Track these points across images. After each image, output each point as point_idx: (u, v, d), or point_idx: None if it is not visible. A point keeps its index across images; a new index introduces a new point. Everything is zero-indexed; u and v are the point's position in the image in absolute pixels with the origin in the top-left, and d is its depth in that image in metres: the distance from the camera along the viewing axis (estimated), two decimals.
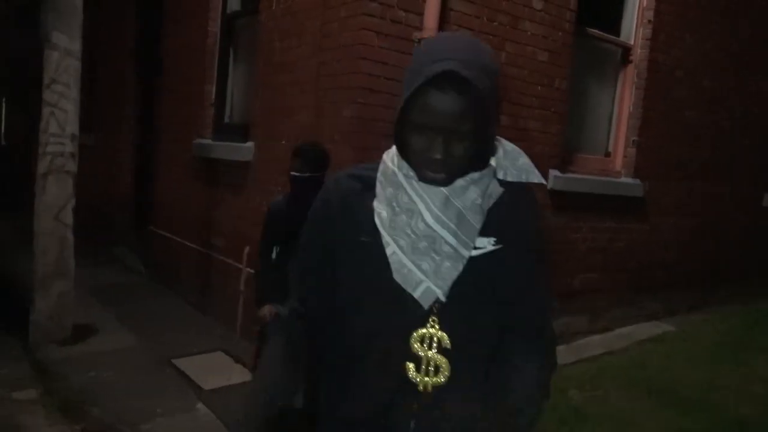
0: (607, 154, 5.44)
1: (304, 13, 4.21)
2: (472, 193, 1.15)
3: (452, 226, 1.13)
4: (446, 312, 1.15)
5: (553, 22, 4.48)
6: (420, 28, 3.72)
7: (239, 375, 4.15)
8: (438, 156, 1.10)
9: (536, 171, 1.23)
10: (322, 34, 3.95)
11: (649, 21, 5.30)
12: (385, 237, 1.16)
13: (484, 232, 1.16)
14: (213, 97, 5.56)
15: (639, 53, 5.33)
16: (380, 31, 3.62)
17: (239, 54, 5.52)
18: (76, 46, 4.41)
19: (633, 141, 5.37)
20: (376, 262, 1.16)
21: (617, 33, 5.33)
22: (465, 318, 1.16)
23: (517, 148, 1.24)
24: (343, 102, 3.75)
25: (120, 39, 7.53)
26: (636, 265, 5.60)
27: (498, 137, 1.20)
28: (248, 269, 4.72)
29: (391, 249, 1.15)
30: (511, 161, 1.21)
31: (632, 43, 5.33)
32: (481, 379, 1.18)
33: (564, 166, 4.81)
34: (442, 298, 1.14)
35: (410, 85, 1.10)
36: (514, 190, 1.20)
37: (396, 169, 1.19)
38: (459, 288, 1.14)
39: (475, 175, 1.15)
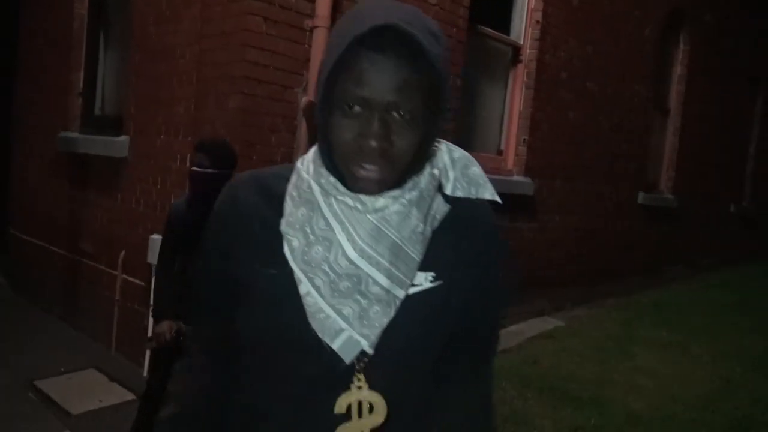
0: (499, 153, 5.48)
1: None
2: (412, 220, 0.89)
3: (384, 262, 0.87)
4: (375, 367, 0.90)
5: (447, 17, 4.41)
6: (311, 16, 3.50)
7: (114, 395, 3.74)
8: (373, 143, 0.82)
9: (489, 184, 0.98)
10: (202, 19, 3.62)
11: (538, 22, 5.39)
12: (297, 273, 0.89)
13: (422, 265, 0.91)
14: (81, 85, 5.03)
15: (528, 53, 5.41)
16: (268, 16, 3.35)
17: (111, 39, 5.03)
18: None
19: (524, 140, 5.45)
20: (287, 302, 0.89)
21: (507, 32, 5.38)
22: (398, 371, 0.93)
23: (466, 154, 1.00)
24: (227, 93, 3.44)
25: None
26: (526, 263, 5.68)
27: (441, 139, 0.95)
28: (124, 276, 4.29)
29: (304, 288, 0.88)
30: (461, 171, 0.97)
31: (522, 43, 5.39)
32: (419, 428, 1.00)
33: None
34: (369, 350, 0.89)
35: (335, 51, 0.82)
36: (464, 207, 0.96)
37: (312, 182, 0.91)
38: (389, 335, 0.89)
39: (412, 192, 0.89)
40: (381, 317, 0.88)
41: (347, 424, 0.90)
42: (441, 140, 0.95)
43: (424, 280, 0.91)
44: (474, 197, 0.97)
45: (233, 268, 0.95)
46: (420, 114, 0.84)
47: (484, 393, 1.09)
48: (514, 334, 5.37)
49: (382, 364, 0.90)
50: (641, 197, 7.37)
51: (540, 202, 5.73)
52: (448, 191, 0.95)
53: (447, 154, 0.97)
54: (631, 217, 7.28)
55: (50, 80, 5.27)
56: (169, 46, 3.96)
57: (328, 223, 0.88)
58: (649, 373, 4.73)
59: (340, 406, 0.90)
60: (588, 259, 6.60)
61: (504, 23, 5.37)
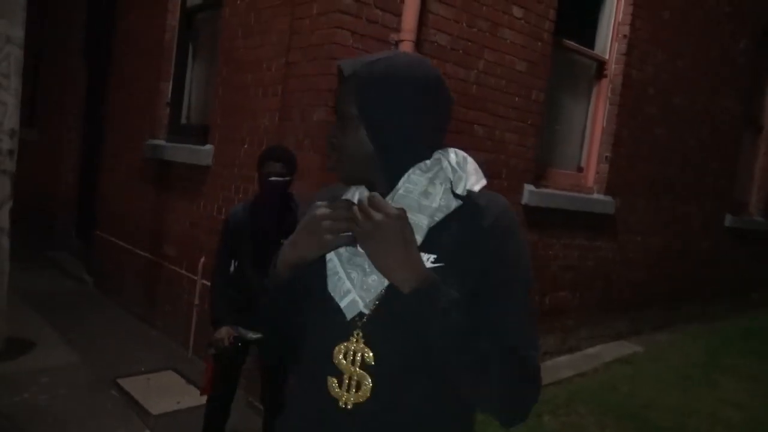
0: (580, 170, 5.32)
1: (271, 9, 3.93)
2: (421, 220, 1.09)
3: None
4: (370, 327, 1.12)
5: (532, 31, 4.32)
6: (398, 30, 3.49)
7: (191, 398, 3.82)
8: (331, 138, 1.15)
9: (474, 176, 1.13)
10: (290, 32, 3.68)
11: (625, 36, 5.21)
12: None
13: (424, 248, 1.08)
14: (169, 95, 5.21)
15: (614, 68, 5.23)
16: (355, 30, 3.37)
17: (199, 51, 5.19)
18: (19, 32, 4.02)
19: (606, 157, 5.27)
20: (320, 271, 1.16)
21: (592, 46, 5.22)
22: (389, 335, 1.10)
23: (466, 155, 1.16)
24: (312, 105, 3.48)
25: (69, 29, 7.09)
26: (604, 284, 5.48)
27: (448, 149, 1.15)
28: (203, 281, 4.40)
29: (329, 256, 1.15)
30: (462, 169, 1.14)
31: (607, 57, 5.23)
32: (407, 400, 1.11)
33: (537, 180, 4.65)
34: (364, 311, 1.11)
35: None
36: (476, 201, 1.13)
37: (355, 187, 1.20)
38: (386, 303, 1.10)
39: (400, 192, 1.10)
40: (377, 285, 1.10)
41: (342, 360, 1.13)
42: (447, 149, 1.15)
43: (426, 261, 1.06)
44: (491, 196, 1.15)
45: None
46: (356, 118, 1.10)
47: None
48: (591, 357, 5.18)
49: (377, 324, 1.11)
50: (729, 219, 7.00)
51: (621, 222, 5.52)
52: (459, 191, 1.10)
53: (453, 156, 1.14)
54: (717, 238, 6.92)
55: (140, 89, 5.49)
56: (255, 58, 4.04)
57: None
58: (736, 404, 4.46)
59: (337, 350, 1.13)
60: (670, 281, 6.31)
61: (589, 37, 5.22)
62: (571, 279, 5.11)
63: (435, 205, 1.09)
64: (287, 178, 2.80)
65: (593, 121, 5.32)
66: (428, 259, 1.07)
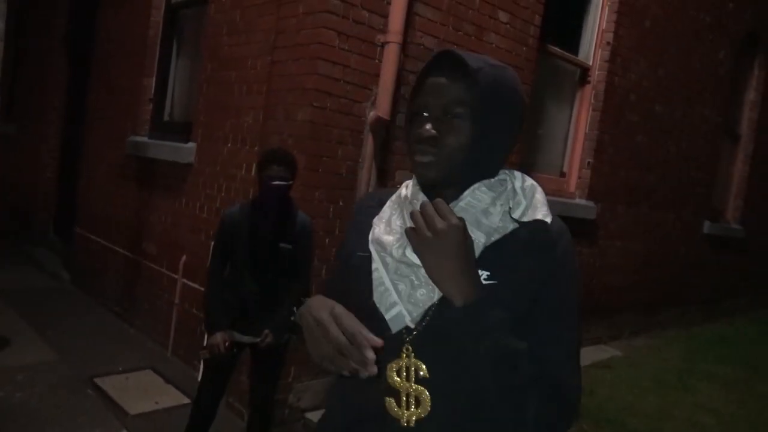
0: (562, 175, 5.36)
1: (257, 7, 3.90)
2: (478, 237, 1.07)
3: None
4: (420, 341, 1.08)
5: (517, 36, 4.35)
6: (384, 31, 3.49)
7: (169, 398, 3.79)
8: (425, 133, 1.07)
9: (545, 207, 1.11)
10: (276, 31, 3.66)
11: (608, 43, 5.27)
12: (373, 253, 1.14)
13: (479, 265, 1.04)
14: (152, 91, 5.15)
15: (597, 74, 5.29)
16: (342, 31, 3.36)
17: (183, 47, 5.15)
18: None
19: (588, 163, 5.32)
20: (363, 278, 1.13)
21: (576, 53, 5.27)
22: (439, 350, 1.06)
23: (534, 183, 1.15)
24: (297, 105, 3.46)
25: (51, 22, 6.98)
26: (584, 289, 5.53)
27: (515, 171, 1.15)
28: (184, 280, 4.36)
29: (375, 265, 1.12)
30: (529, 198, 1.12)
31: (591, 63, 5.28)
32: (467, 415, 1.07)
33: None
34: (410, 324, 1.07)
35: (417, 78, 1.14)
36: (535, 228, 1.09)
37: (407, 193, 1.17)
38: (436, 318, 1.06)
39: (467, 200, 1.09)
40: (425, 299, 1.06)
41: (396, 378, 1.09)
42: (514, 171, 1.15)
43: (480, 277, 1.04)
44: (531, 219, 1.09)
45: (346, 248, 1.27)
46: (467, 122, 1.06)
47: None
48: None
49: (426, 339, 1.07)
50: (707, 226, 7.10)
51: (602, 227, 5.58)
52: (516, 215, 1.08)
53: (519, 181, 1.14)
54: (695, 245, 7.01)
55: (123, 85, 5.43)
56: (240, 56, 4.02)
57: (404, 222, 1.13)
58: (712, 410, 4.52)
59: (390, 368, 1.08)
60: (648, 287, 6.38)
61: (573, 43, 5.27)
62: None
63: (493, 225, 1.07)
64: (289, 182, 2.73)
65: (576, 127, 5.37)
66: (482, 276, 1.04)
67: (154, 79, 5.16)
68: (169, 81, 5.16)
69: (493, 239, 1.07)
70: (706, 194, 7.09)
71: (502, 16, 4.21)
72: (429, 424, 1.06)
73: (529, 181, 1.15)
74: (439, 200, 0.99)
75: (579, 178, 5.34)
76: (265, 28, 3.79)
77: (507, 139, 1.11)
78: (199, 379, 3.08)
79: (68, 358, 4.20)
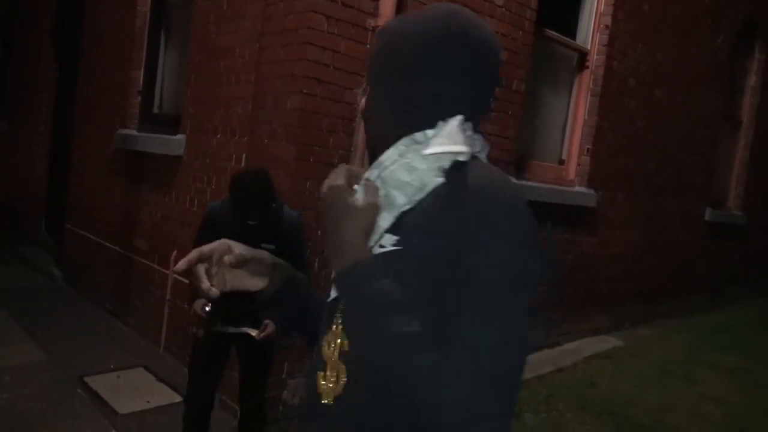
0: (561, 162, 5.26)
1: None
2: (382, 188, 0.97)
3: None
4: (345, 312, 0.99)
5: (513, 20, 4.24)
6: (375, 15, 3.38)
7: (161, 396, 3.69)
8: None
9: (459, 136, 0.96)
10: (263, 17, 3.55)
11: (606, 27, 5.15)
12: None
13: (393, 228, 0.95)
14: (141, 83, 5.04)
15: (595, 59, 5.18)
16: (330, 14, 3.25)
17: (171, 37, 5.03)
18: None
19: (587, 149, 5.21)
20: None
21: (574, 37, 5.16)
22: (350, 321, 0.97)
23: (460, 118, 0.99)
24: (286, 92, 3.35)
25: (38, 17, 6.86)
26: (584, 278, 5.43)
27: (457, 117, 0.98)
28: (175, 275, 4.26)
29: None
30: (441, 129, 1.00)
31: (589, 48, 5.16)
32: (372, 396, 0.93)
33: (518, 173, 4.57)
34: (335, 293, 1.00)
35: None
36: (455, 181, 0.93)
37: None
38: None
39: (382, 162, 0.99)
40: None
41: (326, 350, 1.01)
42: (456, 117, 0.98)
43: (388, 243, 0.94)
44: (437, 152, 0.96)
45: None
46: (374, 79, 1.06)
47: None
48: (570, 352, 5.13)
49: (347, 309, 0.98)
50: (708, 213, 7.00)
51: (602, 215, 5.48)
52: (425, 152, 0.96)
53: (453, 122, 0.99)
54: (697, 233, 6.92)
55: (112, 77, 5.31)
56: (228, 45, 3.91)
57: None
58: (715, 400, 4.44)
59: (324, 338, 1.02)
60: (650, 276, 6.29)
61: (571, 27, 5.15)
62: (552, 273, 5.04)
63: (416, 183, 0.94)
64: (265, 216, 2.61)
65: (575, 113, 5.26)
66: (390, 241, 0.94)
67: (142, 71, 5.06)
68: (157, 72, 5.05)
69: (417, 198, 0.94)
70: (707, 181, 6.99)
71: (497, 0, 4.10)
72: (341, 402, 0.96)
73: (460, 118, 0.98)
74: (341, 165, 1.00)
75: (578, 165, 5.23)
76: (253, 15, 3.68)
77: (416, 87, 0.98)
78: (188, 369, 2.96)
79: (58, 358, 4.11)
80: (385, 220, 0.95)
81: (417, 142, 0.97)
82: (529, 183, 4.61)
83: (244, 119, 3.71)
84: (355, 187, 0.98)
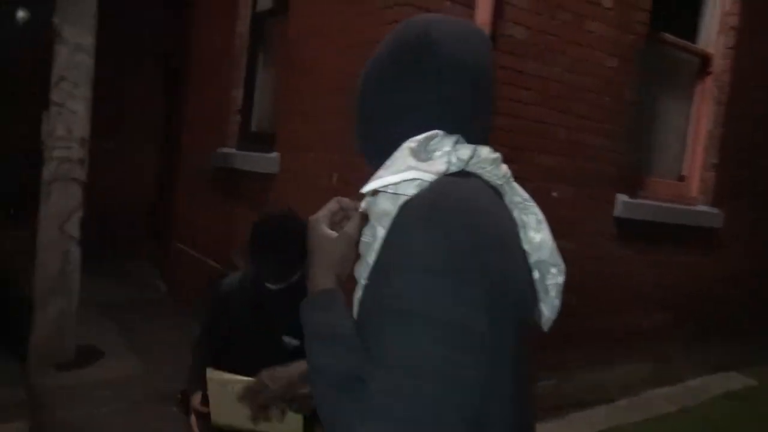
0: (681, 178, 4.76)
1: (333, 6, 3.72)
2: (379, 230, 0.90)
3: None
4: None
5: (623, 23, 3.88)
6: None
7: None
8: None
9: (403, 162, 0.90)
10: (352, 30, 3.44)
11: (732, 27, 4.64)
12: None
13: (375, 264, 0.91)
14: (240, 102, 5.11)
15: (720, 63, 4.66)
16: None
17: (268, 56, 5.07)
18: (88, 40, 4.03)
19: (712, 164, 4.68)
20: None
21: (694, 39, 4.68)
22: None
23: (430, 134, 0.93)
24: None
25: (146, 39, 7.21)
26: (708, 307, 4.87)
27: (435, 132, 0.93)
28: None
29: None
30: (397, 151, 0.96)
31: (712, 51, 4.66)
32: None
33: (633, 190, 4.16)
34: None
35: None
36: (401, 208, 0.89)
37: None
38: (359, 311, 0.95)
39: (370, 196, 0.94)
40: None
41: None
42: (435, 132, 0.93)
43: (364, 278, 0.92)
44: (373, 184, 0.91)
45: None
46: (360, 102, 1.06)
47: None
48: (695, 390, 4.58)
49: None
50: None
51: (728, 236, 4.90)
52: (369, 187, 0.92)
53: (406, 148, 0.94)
54: None
55: (213, 97, 5.45)
56: (317, 60, 3.84)
57: None
58: None
59: None
60: None
61: (690, 30, 4.68)
62: (670, 300, 4.56)
63: (392, 208, 0.88)
64: (294, 276, 1.96)
65: (696, 124, 4.75)
66: (364, 276, 0.92)
67: (241, 90, 5.13)
68: (255, 91, 5.10)
69: (385, 225, 0.89)
70: None
71: (605, 1, 3.77)
72: None
73: (428, 134, 0.93)
74: (335, 197, 1.03)
75: (701, 181, 4.72)
76: (341, 28, 3.59)
77: (388, 97, 0.97)
78: None
79: (158, 372, 4.17)
80: (370, 255, 0.90)
81: (392, 163, 0.92)
82: (645, 201, 4.19)
83: (336, 135, 3.61)
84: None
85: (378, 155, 0.96)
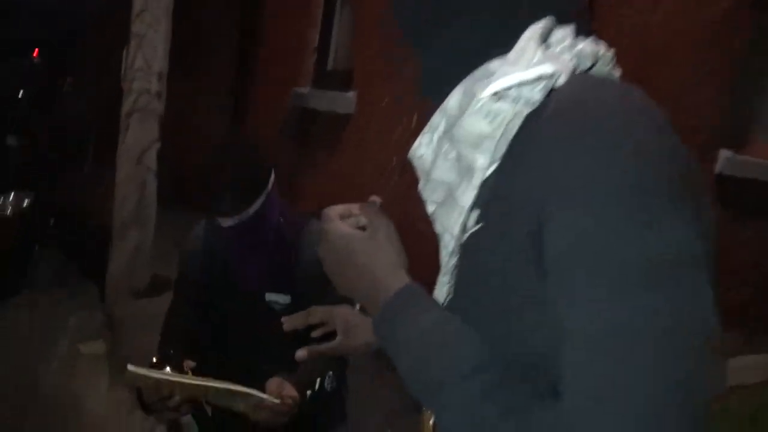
0: None
1: None
2: (475, 159, 0.68)
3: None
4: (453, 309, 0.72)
5: None
6: None
7: None
8: None
9: (523, 55, 0.67)
10: None
11: None
12: None
13: (477, 202, 0.69)
14: (316, 40, 5.00)
15: None
16: None
17: None
18: None
19: None
20: None
21: None
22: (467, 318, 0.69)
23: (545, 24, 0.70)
24: None
25: None
26: None
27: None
28: None
29: None
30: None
31: None
32: None
33: (737, 146, 3.84)
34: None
35: None
36: (539, 117, 0.63)
37: None
38: (457, 278, 0.74)
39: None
40: (449, 259, 0.80)
41: None
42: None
43: (472, 223, 0.74)
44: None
45: None
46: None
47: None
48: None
49: (458, 306, 0.81)
50: None
51: None
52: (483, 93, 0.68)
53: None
54: None
55: (288, 35, 5.34)
56: None
57: None
58: None
59: None
60: None
61: None
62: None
63: (500, 132, 0.65)
64: (252, 210, 1.58)
65: None
66: (473, 219, 0.69)
67: (318, 27, 5.01)
68: (333, 29, 4.97)
69: (501, 154, 0.67)
70: None
71: None
72: None
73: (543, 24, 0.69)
74: (329, 207, 0.83)
75: None
76: None
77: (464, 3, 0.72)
78: None
79: None
80: (465, 193, 0.69)
81: (484, 77, 0.68)
82: (751, 158, 3.85)
83: (412, 81, 3.45)
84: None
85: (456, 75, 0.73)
